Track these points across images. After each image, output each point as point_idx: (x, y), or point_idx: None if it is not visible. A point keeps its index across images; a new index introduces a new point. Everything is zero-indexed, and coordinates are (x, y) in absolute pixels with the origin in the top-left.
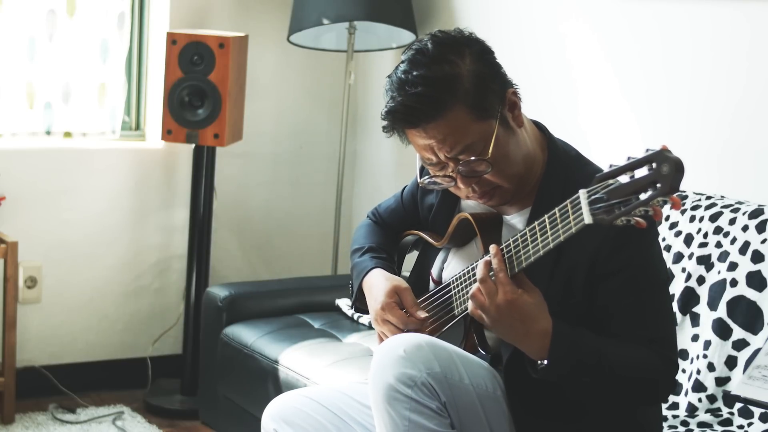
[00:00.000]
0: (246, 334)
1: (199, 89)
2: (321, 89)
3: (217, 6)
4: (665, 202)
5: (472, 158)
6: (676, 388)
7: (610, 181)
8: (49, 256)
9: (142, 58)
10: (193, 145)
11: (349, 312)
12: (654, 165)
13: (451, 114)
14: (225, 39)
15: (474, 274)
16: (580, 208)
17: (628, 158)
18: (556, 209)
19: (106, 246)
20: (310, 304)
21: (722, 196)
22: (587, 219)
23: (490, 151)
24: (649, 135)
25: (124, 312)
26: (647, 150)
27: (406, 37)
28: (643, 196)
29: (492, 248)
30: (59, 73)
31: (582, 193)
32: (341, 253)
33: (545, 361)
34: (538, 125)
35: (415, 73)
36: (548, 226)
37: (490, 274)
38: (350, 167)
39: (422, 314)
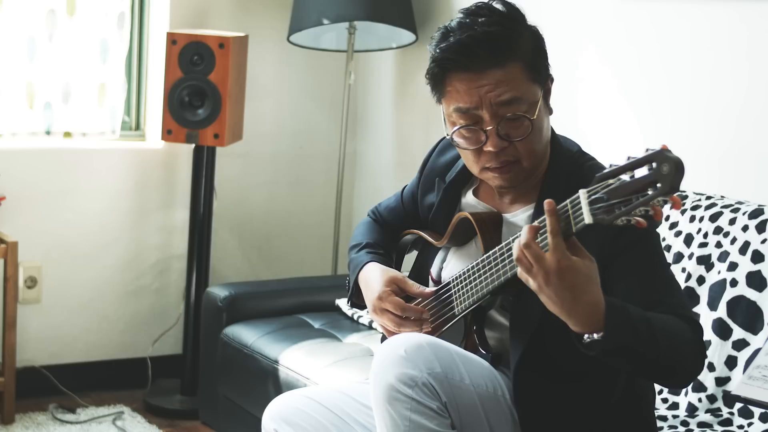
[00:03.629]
0: (246, 334)
1: (199, 89)
2: (321, 89)
3: (217, 6)
4: (665, 202)
5: (517, 114)
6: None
7: (611, 181)
8: (49, 256)
9: (142, 58)
10: (193, 145)
11: (350, 312)
12: (654, 165)
13: (511, 66)
14: (225, 39)
15: (474, 273)
16: (580, 208)
17: (629, 158)
18: (558, 207)
19: (106, 246)
20: (310, 304)
21: (722, 196)
22: (587, 219)
23: (536, 114)
24: (649, 135)
25: (124, 312)
26: (647, 150)
27: (406, 37)
28: (643, 196)
29: (547, 203)
30: (59, 73)
31: (582, 193)
32: (341, 253)
33: (594, 336)
34: None
35: (482, 20)
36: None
37: (538, 238)
38: (350, 167)
39: (430, 289)
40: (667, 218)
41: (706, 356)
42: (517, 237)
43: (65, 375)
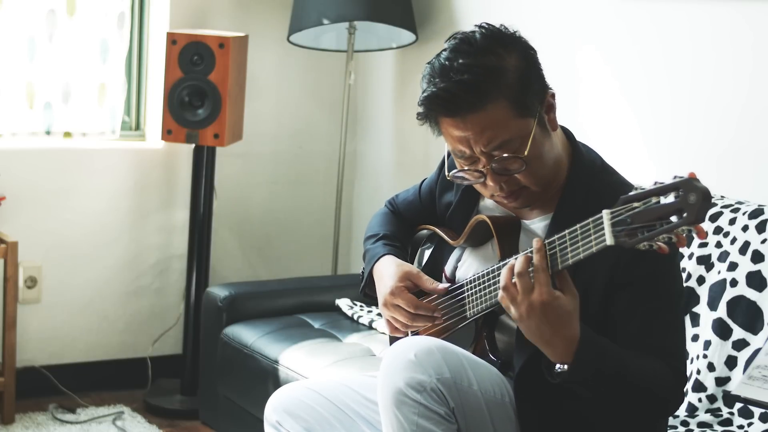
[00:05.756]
0: (246, 334)
1: (199, 89)
2: (321, 89)
3: (217, 6)
4: (690, 231)
5: (507, 155)
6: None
7: (635, 204)
8: (49, 256)
9: (142, 58)
10: (193, 145)
11: (350, 312)
12: (681, 192)
13: (493, 107)
14: (225, 39)
15: (489, 279)
16: (602, 229)
17: (655, 183)
18: (578, 226)
19: (106, 246)
20: (310, 304)
21: (722, 196)
22: (609, 241)
23: (527, 150)
24: (650, 136)
25: (124, 312)
26: (675, 177)
27: (406, 37)
28: (667, 224)
29: (536, 242)
30: (59, 73)
31: (605, 214)
32: (341, 253)
33: (564, 366)
34: (564, 130)
35: (461, 61)
36: (568, 242)
37: (530, 269)
38: (350, 167)
39: (444, 285)
40: None
41: (682, 401)
42: (525, 252)
43: (65, 375)
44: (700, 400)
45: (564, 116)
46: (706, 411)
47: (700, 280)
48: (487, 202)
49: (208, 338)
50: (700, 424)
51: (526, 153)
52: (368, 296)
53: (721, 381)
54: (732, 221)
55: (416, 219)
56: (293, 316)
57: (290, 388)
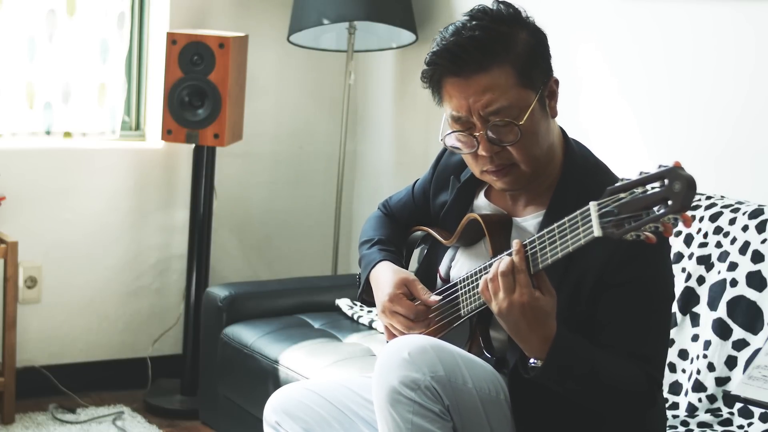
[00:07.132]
0: (246, 334)
1: (199, 89)
2: (321, 89)
3: (217, 6)
4: (676, 220)
5: (503, 120)
6: (658, 400)
7: (621, 195)
8: (49, 256)
9: (142, 58)
10: (193, 145)
11: (350, 312)
12: (666, 181)
13: (498, 70)
14: (225, 39)
15: (481, 276)
16: (590, 221)
17: (641, 173)
18: (566, 219)
19: (106, 246)
20: (310, 304)
21: (722, 196)
22: (596, 232)
23: (524, 120)
24: (650, 135)
25: (124, 312)
26: (660, 166)
27: (406, 37)
28: (653, 213)
29: (515, 243)
30: (59, 73)
31: (592, 206)
32: (341, 253)
33: (538, 362)
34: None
35: (474, 23)
36: (557, 236)
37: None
38: (350, 167)
39: (435, 298)
40: None
41: (651, 406)
42: (532, 239)
43: (65, 375)
44: (700, 400)
45: (564, 115)
46: (706, 411)
47: (700, 280)
48: (480, 202)
49: (208, 338)
50: (700, 424)
51: (522, 122)
52: (366, 302)
53: (721, 381)
54: (732, 221)
55: (410, 219)
56: (293, 316)
57: (289, 389)
